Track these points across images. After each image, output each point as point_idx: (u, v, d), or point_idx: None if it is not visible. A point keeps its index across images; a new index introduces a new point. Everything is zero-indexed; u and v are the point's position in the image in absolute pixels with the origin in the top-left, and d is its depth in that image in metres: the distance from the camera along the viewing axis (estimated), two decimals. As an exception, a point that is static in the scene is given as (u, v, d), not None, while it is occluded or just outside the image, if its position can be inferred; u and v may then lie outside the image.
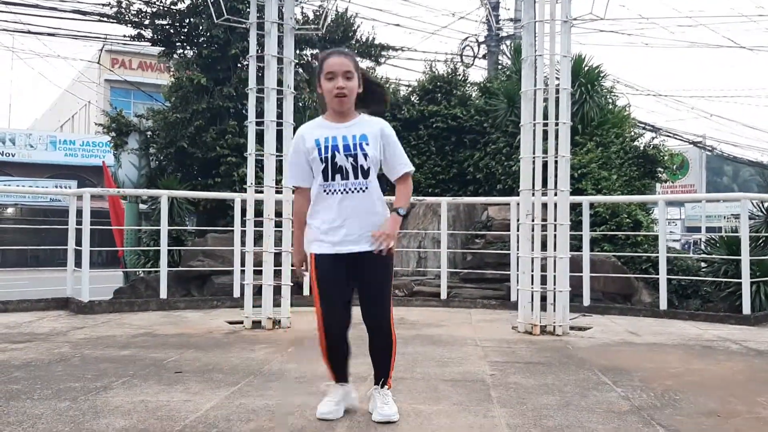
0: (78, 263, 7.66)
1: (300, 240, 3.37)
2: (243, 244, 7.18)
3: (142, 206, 12.81)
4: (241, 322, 6.52)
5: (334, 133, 3.24)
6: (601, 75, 11.95)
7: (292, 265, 3.37)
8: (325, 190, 3.23)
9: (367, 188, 3.22)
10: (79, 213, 7.68)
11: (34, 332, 6.02)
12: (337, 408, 3.34)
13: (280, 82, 6.47)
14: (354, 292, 3.33)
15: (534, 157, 6.31)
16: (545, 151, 6.34)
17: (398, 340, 5.60)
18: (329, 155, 3.20)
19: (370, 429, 3.19)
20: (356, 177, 3.20)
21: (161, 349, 5.25)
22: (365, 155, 3.20)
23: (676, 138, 24.79)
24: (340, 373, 3.42)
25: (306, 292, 8.24)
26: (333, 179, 3.20)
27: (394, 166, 3.33)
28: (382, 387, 3.34)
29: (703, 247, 9.82)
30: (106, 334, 5.98)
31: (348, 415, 3.38)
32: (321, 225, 3.25)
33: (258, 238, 6.62)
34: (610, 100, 12.46)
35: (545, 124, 6.32)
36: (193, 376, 4.26)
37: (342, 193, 3.20)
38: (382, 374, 3.36)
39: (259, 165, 6.57)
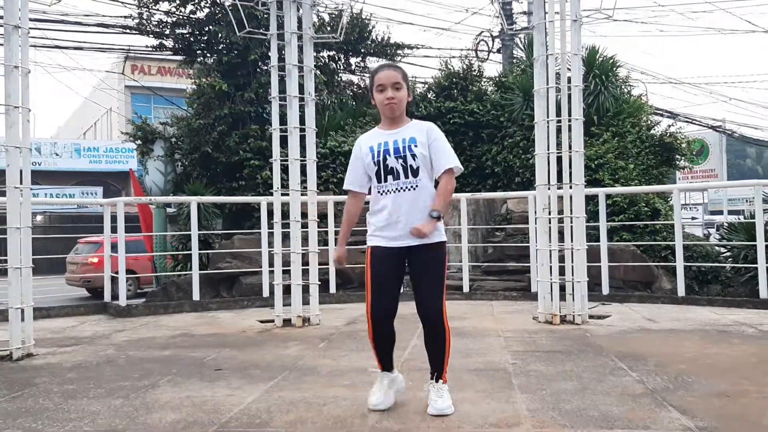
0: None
1: (344, 237, 3.67)
2: (270, 245, 7.47)
3: (169, 210, 13.19)
4: (272, 321, 6.81)
5: (386, 139, 3.52)
6: (616, 65, 12.09)
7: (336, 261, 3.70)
8: (379, 191, 3.51)
9: (417, 186, 3.45)
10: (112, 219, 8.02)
11: (79, 336, 6.36)
12: (386, 398, 3.58)
13: (300, 88, 6.73)
14: (405, 287, 3.59)
15: (549, 153, 6.52)
16: (560, 145, 6.55)
17: (423, 334, 5.90)
18: (381, 158, 3.48)
19: (402, 417, 3.44)
20: (406, 176, 3.45)
21: (199, 348, 5.56)
22: (413, 155, 3.45)
23: (694, 123, 24.73)
24: (384, 360, 3.62)
25: (332, 290, 8.61)
26: (385, 180, 3.48)
27: (438, 160, 3.49)
28: (436, 381, 3.51)
29: (722, 233, 9.94)
30: (146, 335, 6.30)
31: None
32: (377, 222, 3.52)
33: (284, 239, 6.89)
34: (626, 90, 12.58)
35: (558, 121, 6.52)
36: (233, 373, 4.55)
37: (394, 192, 3.46)
38: (435, 368, 3.52)
39: (283, 168, 6.83)
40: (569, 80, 6.53)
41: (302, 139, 6.74)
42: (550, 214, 6.54)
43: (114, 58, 24.73)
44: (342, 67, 14.46)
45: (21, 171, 5.20)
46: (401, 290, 3.60)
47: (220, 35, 12.71)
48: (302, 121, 6.76)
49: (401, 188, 3.46)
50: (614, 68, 12.00)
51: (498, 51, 17.44)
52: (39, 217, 31.96)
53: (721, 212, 32.41)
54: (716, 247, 9.60)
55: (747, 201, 30.58)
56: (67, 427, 3.38)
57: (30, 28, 5.47)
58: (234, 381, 4.31)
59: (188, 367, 4.80)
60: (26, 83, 5.19)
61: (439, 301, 3.45)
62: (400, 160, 3.46)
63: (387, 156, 3.48)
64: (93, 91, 34.61)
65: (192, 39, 13.26)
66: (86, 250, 15.69)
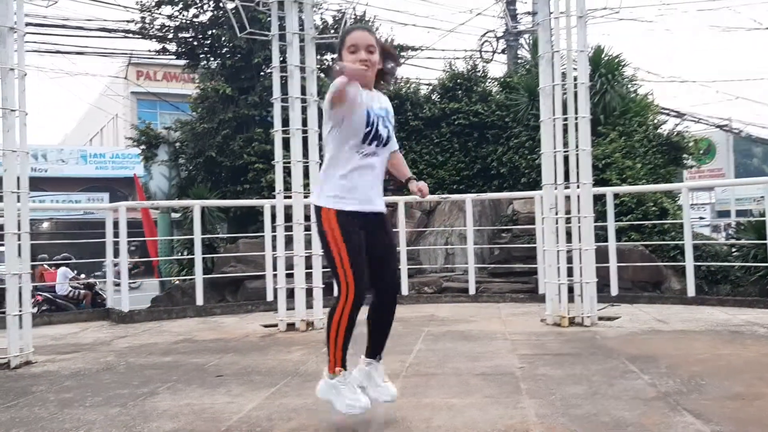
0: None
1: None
2: (274, 248, 7.37)
3: (174, 215, 13.13)
4: (276, 325, 6.72)
5: (371, 103, 3.31)
6: (622, 64, 11.96)
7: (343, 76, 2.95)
8: (358, 151, 3.26)
9: (383, 156, 3.39)
10: (115, 225, 7.94)
11: (80, 343, 6.28)
12: (366, 397, 3.28)
13: (303, 89, 6.64)
14: None
15: (555, 152, 6.41)
16: (566, 144, 6.43)
17: (429, 337, 5.82)
18: (376, 120, 3.27)
19: (404, 424, 3.34)
20: (383, 145, 3.35)
21: (201, 354, 5.46)
22: (390, 128, 3.39)
23: (701, 122, 24.55)
24: (345, 355, 3.28)
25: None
26: (370, 144, 3.27)
27: (394, 138, 3.47)
28: (379, 360, 3.45)
29: (731, 231, 9.81)
30: (148, 341, 6.21)
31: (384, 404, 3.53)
32: (346, 183, 3.25)
33: (287, 242, 6.80)
34: (632, 89, 12.46)
35: (565, 119, 6.41)
36: (234, 379, 4.45)
37: (372, 156, 3.29)
38: (382, 346, 3.45)
39: (286, 171, 6.75)
40: (575, 78, 6.42)
41: (305, 141, 6.65)
42: (557, 214, 6.43)
43: (120, 64, 24.76)
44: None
45: (18, 176, 5.12)
46: None
47: (223, 39, 12.66)
48: (305, 122, 6.67)
49: (378, 154, 3.33)
50: (620, 67, 11.87)
51: (502, 52, 17.33)
52: (46, 224, 32.01)
53: (728, 212, 32.18)
54: (725, 247, 9.46)
55: (755, 200, 30.34)
56: (62, 436, 3.29)
57: (29, 33, 5.40)
58: (235, 388, 4.21)
59: (189, 373, 4.71)
60: (23, 86, 5.11)
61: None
62: (386, 130, 3.33)
63: (378, 120, 3.29)
64: (99, 97, 34.68)
65: (195, 43, 13.22)
66: None
